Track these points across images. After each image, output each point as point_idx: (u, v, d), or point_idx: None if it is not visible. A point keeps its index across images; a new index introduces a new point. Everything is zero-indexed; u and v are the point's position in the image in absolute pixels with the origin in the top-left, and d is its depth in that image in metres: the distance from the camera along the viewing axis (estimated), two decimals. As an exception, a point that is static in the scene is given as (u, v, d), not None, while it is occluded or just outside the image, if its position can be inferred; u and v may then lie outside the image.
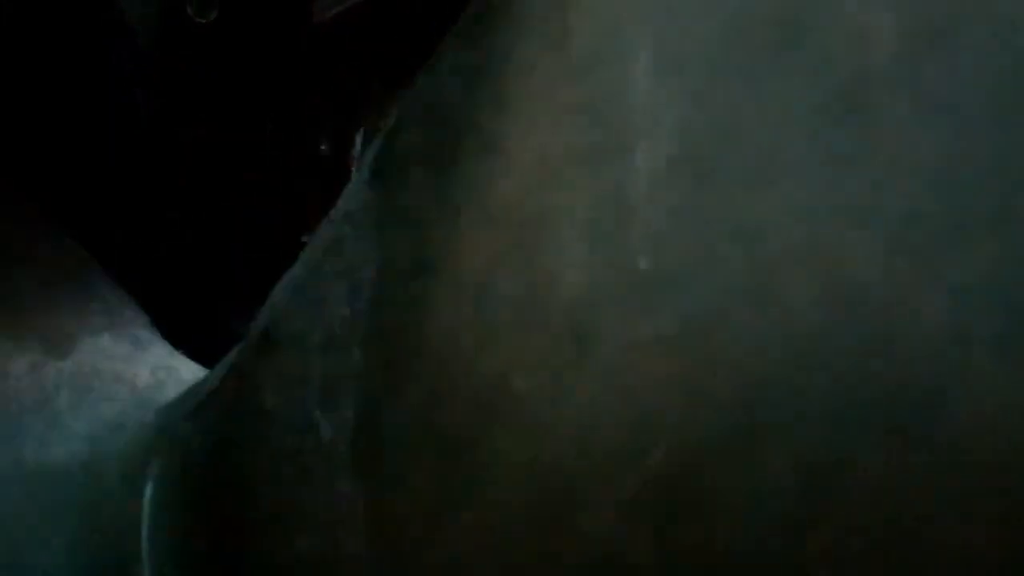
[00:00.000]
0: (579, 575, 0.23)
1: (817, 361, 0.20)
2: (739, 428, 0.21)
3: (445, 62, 0.28)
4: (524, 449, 0.24)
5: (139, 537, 0.44)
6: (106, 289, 0.60)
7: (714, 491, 0.21)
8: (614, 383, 0.23)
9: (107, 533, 0.46)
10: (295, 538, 0.33)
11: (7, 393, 0.51)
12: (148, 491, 0.45)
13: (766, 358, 0.21)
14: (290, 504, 0.34)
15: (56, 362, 0.53)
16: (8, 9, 0.58)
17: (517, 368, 0.25)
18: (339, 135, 0.70)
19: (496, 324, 0.26)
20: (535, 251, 0.25)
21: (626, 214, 0.23)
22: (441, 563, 0.28)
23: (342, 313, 0.31)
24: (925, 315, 0.19)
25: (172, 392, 0.50)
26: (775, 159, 0.21)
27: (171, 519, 0.43)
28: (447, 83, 0.28)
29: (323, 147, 0.62)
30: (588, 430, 0.23)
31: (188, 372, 0.51)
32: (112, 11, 0.61)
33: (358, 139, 0.61)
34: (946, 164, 0.19)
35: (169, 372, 0.53)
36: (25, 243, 0.59)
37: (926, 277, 0.19)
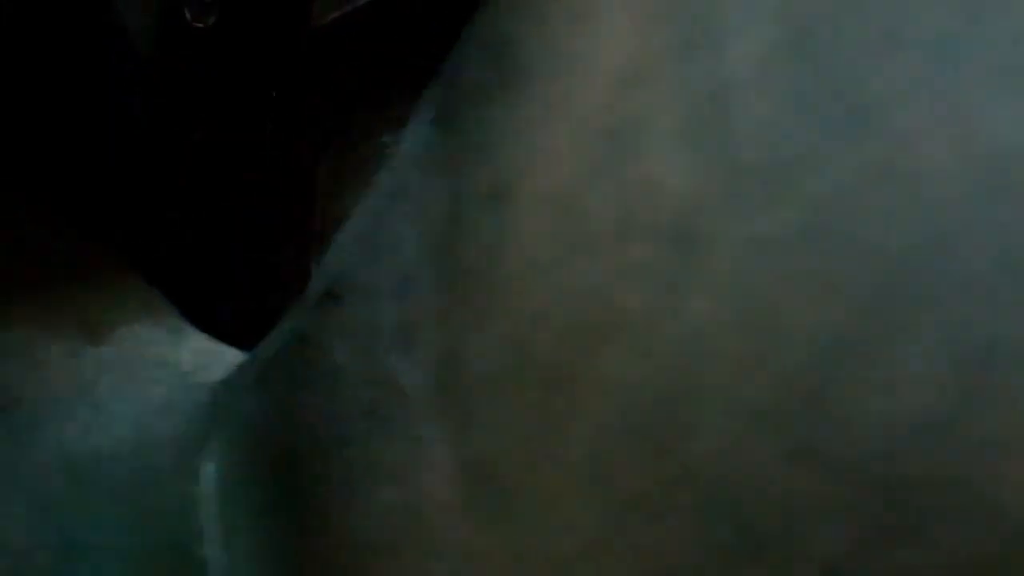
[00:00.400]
0: (701, 502, 0.22)
1: (963, 237, 0.18)
2: (879, 316, 0.19)
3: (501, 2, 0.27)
4: (634, 367, 0.23)
5: (198, 517, 0.43)
6: (137, 281, 0.59)
7: (853, 388, 0.19)
8: (733, 285, 0.21)
9: (163, 515, 0.44)
10: (381, 493, 0.31)
11: (46, 380, 0.49)
12: (209, 470, 0.43)
13: (906, 239, 0.19)
14: (372, 459, 0.32)
15: (95, 348, 0.51)
16: (5, 13, 0.57)
17: (621, 281, 0.23)
18: (339, 137, 0.69)
19: (591, 238, 0.24)
20: (627, 158, 0.23)
21: (728, 106, 0.21)
22: (539, 504, 0.26)
23: (415, 256, 0.30)
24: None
25: (218, 373, 0.48)
26: (898, 28, 0.19)
27: (240, 495, 0.42)
28: (506, 17, 0.26)
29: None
30: (707, 337, 0.21)
31: (232, 354, 0.49)
32: (109, 15, 0.60)
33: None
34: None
35: (211, 355, 0.52)
36: (50, 237, 0.57)
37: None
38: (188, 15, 0.61)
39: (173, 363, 0.50)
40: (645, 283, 0.23)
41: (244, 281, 0.67)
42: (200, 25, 0.61)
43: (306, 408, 0.37)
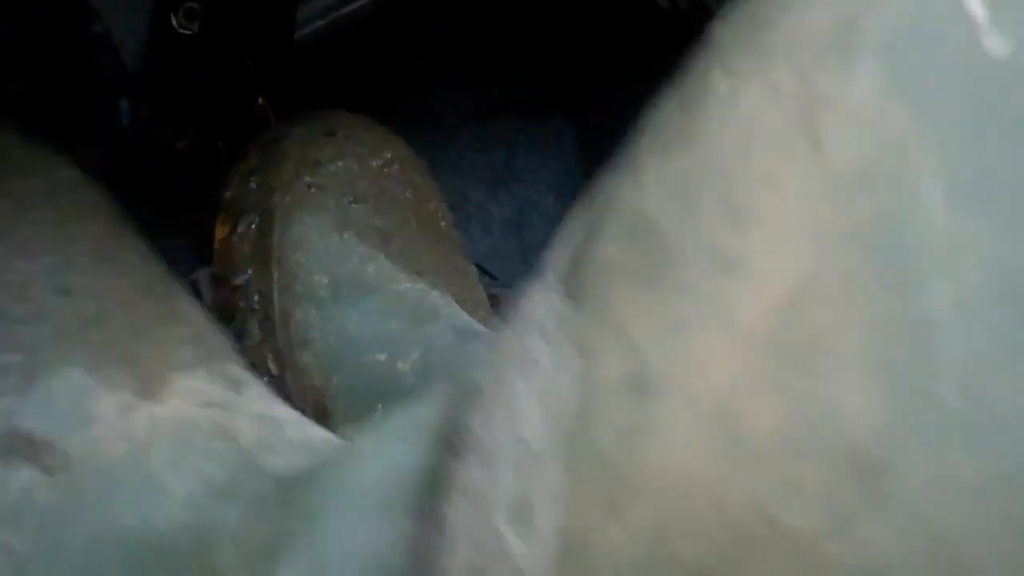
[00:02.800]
0: None
1: None
2: None
3: (648, 172, 0.26)
4: None
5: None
6: (188, 308, 0.51)
7: None
8: (918, 525, 0.20)
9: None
10: None
11: (96, 442, 0.42)
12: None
13: None
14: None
15: (148, 406, 0.43)
16: None
17: (785, 499, 0.22)
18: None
19: (750, 450, 0.23)
20: (801, 376, 0.23)
21: (928, 343, 0.21)
22: None
23: (539, 430, 0.29)
24: None
25: (281, 456, 0.44)
26: None
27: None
28: (654, 197, 0.26)
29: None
30: (883, 569, 0.20)
31: (291, 428, 0.45)
32: (96, 23, 0.60)
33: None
34: None
35: (272, 426, 0.46)
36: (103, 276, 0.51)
37: None
38: (175, 22, 0.61)
39: (232, 434, 0.45)
40: (814, 504, 0.22)
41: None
42: (187, 32, 0.62)
43: (421, 553, 0.35)
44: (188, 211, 0.68)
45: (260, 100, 0.69)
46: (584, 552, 0.28)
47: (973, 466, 0.20)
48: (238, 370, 0.47)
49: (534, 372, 0.30)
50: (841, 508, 0.22)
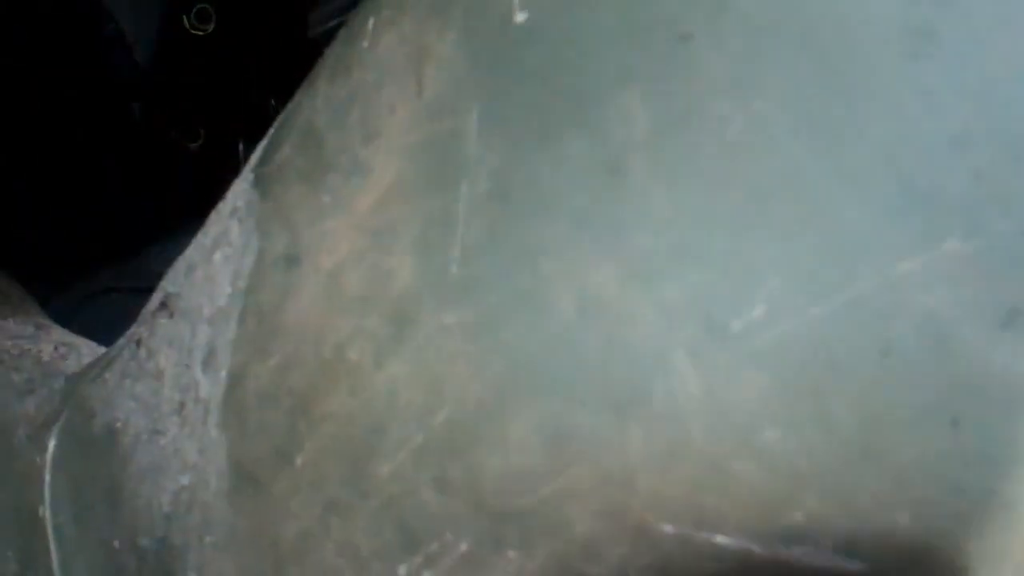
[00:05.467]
0: (375, 509, 0.30)
1: (565, 353, 0.27)
2: (501, 395, 0.27)
3: (319, 95, 0.34)
4: (348, 407, 0.30)
5: (43, 485, 0.49)
6: (7, 286, 0.65)
7: (479, 442, 0.28)
8: (422, 358, 0.29)
9: (16, 483, 0.51)
10: (179, 478, 0.38)
11: None
12: (51, 445, 0.50)
13: (533, 347, 0.27)
14: (176, 448, 0.39)
15: None
16: (9, 22, 0.60)
17: (352, 342, 0.31)
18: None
19: (341, 307, 0.32)
20: (380, 252, 0.31)
21: (447, 232, 0.29)
22: (284, 494, 0.34)
23: (226, 291, 0.37)
24: (641, 321, 0.26)
25: (74, 364, 0.55)
26: (553, 203, 0.28)
27: (68, 469, 0.48)
28: (320, 112, 0.34)
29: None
30: (394, 394, 0.29)
31: (87, 349, 0.55)
32: (110, 25, 0.63)
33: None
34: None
35: (70, 348, 0.58)
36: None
37: (646, 299, 0.26)
38: (187, 23, 0.65)
39: (35, 354, 0.56)
40: (369, 345, 0.31)
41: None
42: (199, 32, 0.65)
43: (133, 398, 0.44)
44: (200, 212, 0.72)
45: (272, 101, 0.70)
46: (239, 386, 0.36)
47: (458, 316, 0.29)
48: (46, 320, 0.62)
49: (228, 247, 0.38)
50: (380, 346, 0.30)
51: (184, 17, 0.62)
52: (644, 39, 0.26)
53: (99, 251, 0.68)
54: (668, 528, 0.26)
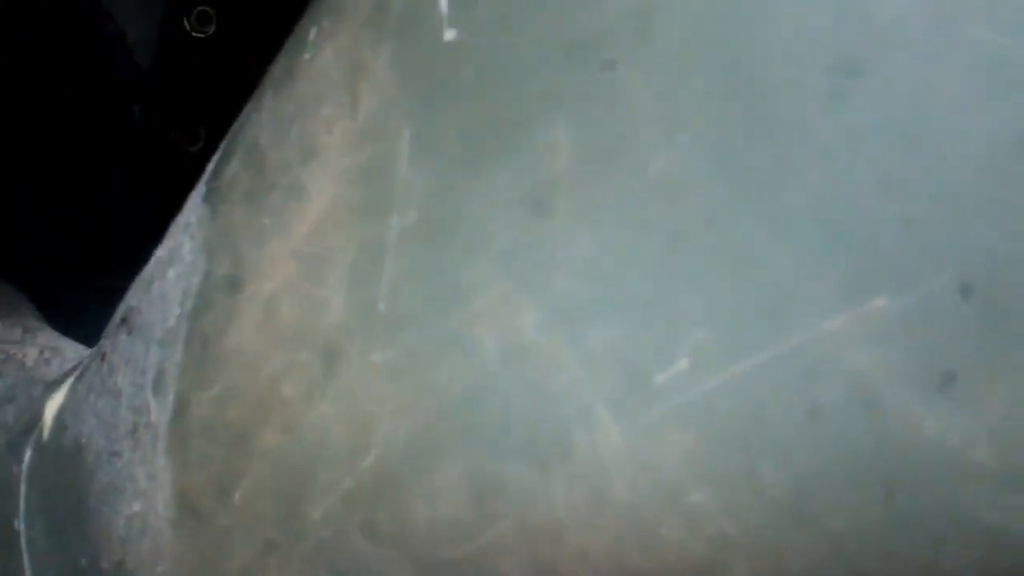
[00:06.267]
0: (309, 552, 0.28)
1: (490, 400, 0.25)
2: (428, 441, 0.26)
3: (264, 108, 0.33)
4: (281, 444, 0.29)
5: (19, 496, 0.49)
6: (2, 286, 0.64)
7: (407, 490, 0.26)
8: (351, 397, 0.28)
9: (-6, 493, 0.50)
10: (132, 503, 0.37)
11: None
12: (27, 456, 0.49)
13: (458, 392, 0.25)
14: (129, 473, 0.38)
15: None
16: (9, 22, 0.59)
17: (286, 376, 0.29)
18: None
19: (276, 337, 0.30)
20: (313, 282, 0.30)
21: (377, 264, 0.28)
22: (225, 529, 0.32)
23: (176, 312, 0.36)
24: (563, 369, 0.24)
25: (57, 369, 0.54)
26: (480, 238, 0.26)
27: (42, 481, 0.47)
28: (265, 127, 0.33)
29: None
30: (324, 433, 0.28)
31: (73, 352, 0.54)
32: (110, 26, 0.63)
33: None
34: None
35: (55, 352, 0.57)
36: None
37: (569, 346, 0.24)
38: (187, 25, 0.65)
39: (19, 359, 0.55)
40: (300, 381, 0.29)
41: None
42: (199, 35, 0.65)
43: (95, 415, 0.43)
44: None
45: None
46: (184, 414, 0.35)
47: (383, 356, 0.27)
48: (35, 322, 0.60)
49: (180, 264, 0.37)
50: (311, 382, 0.29)
51: (184, 19, 0.62)
52: (569, 63, 0.25)
53: (99, 253, 0.68)
54: (598, 585, 0.25)
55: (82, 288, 0.73)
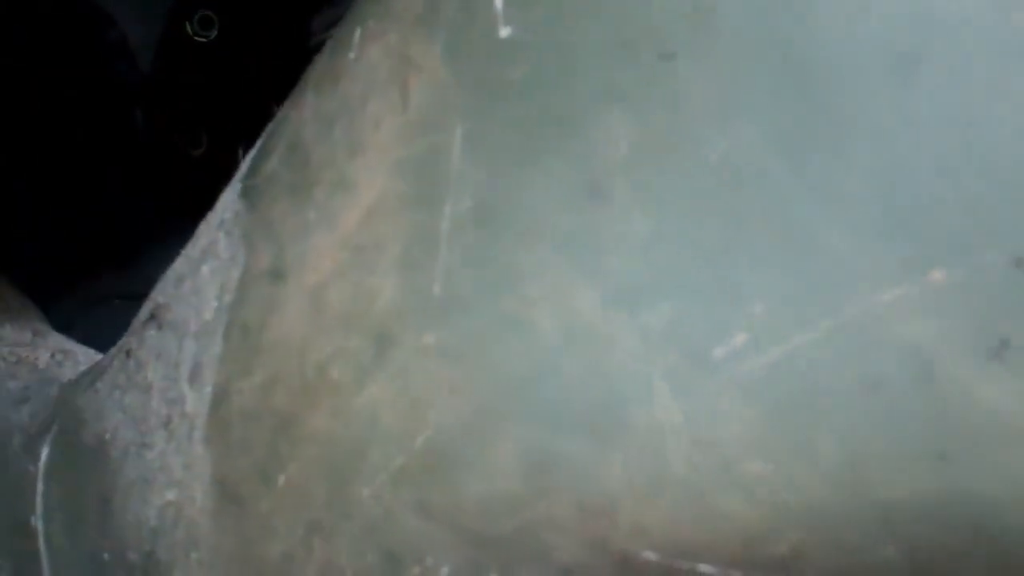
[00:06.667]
0: (357, 531, 0.29)
1: (547, 378, 0.26)
2: (482, 419, 0.27)
3: (306, 106, 0.34)
4: (329, 428, 0.30)
5: (35, 494, 0.49)
6: (6, 292, 0.65)
7: (460, 467, 0.27)
8: (403, 379, 0.29)
9: (10, 492, 0.51)
10: (165, 492, 0.38)
11: None
12: (44, 454, 0.49)
13: (515, 371, 0.26)
14: (163, 463, 0.39)
15: None
16: (9, 24, 0.60)
17: (334, 361, 0.30)
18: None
19: (324, 325, 0.31)
20: (363, 271, 0.31)
21: (431, 251, 0.29)
22: (267, 513, 0.33)
23: (213, 305, 0.37)
24: (621, 347, 0.25)
25: (70, 371, 0.54)
26: (535, 225, 0.27)
27: (60, 479, 0.48)
28: (308, 125, 0.34)
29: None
30: (375, 416, 0.29)
31: (83, 355, 0.55)
32: (112, 30, 0.63)
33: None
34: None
35: (66, 355, 0.58)
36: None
37: (627, 325, 0.25)
38: (190, 29, 0.65)
39: (31, 361, 0.56)
40: (350, 365, 0.30)
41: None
42: (202, 39, 0.65)
43: (122, 410, 0.43)
44: (201, 218, 0.72)
45: (275, 107, 0.70)
46: (223, 403, 0.36)
47: (437, 339, 0.28)
48: (43, 326, 0.61)
49: (215, 260, 0.38)
50: (362, 367, 0.30)
51: (187, 23, 0.62)
52: (627, 57, 0.26)
53: (100, 256, 0.68)
54: (651, 556, 0.26)
55: (79, 293, 0.73)
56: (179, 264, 0.40)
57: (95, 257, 0.70)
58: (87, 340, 0.63)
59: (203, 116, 0.68)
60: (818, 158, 0.23)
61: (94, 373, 0.48)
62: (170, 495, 0.39)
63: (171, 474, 0.39)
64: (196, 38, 0.63)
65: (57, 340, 0.59)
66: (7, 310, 0.63)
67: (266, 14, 0.67)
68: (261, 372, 0.34)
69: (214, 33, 0.64)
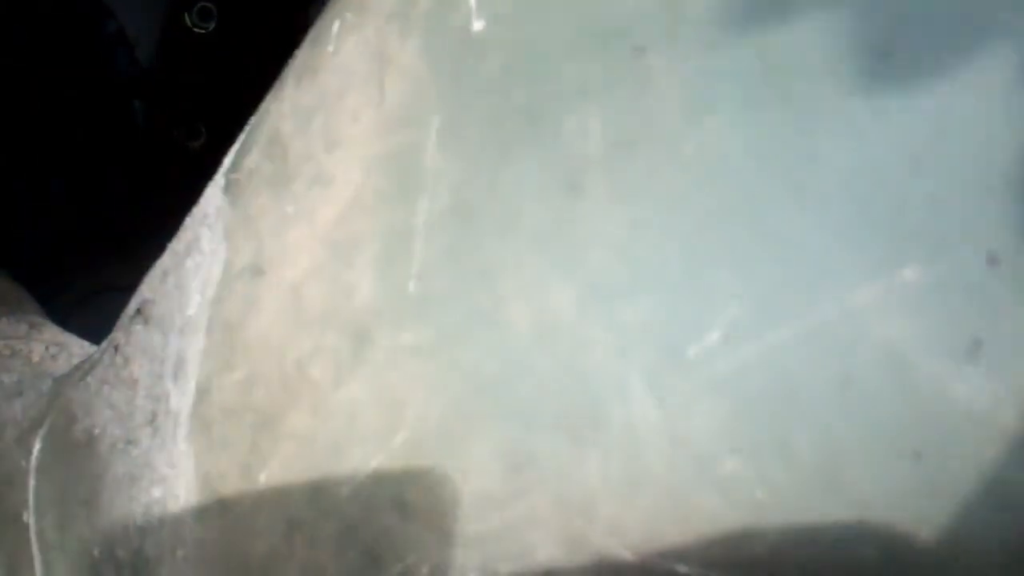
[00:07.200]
0: (337, 529, 0.29)
1: (524, 376, 0.26)
2: (460, 417, 0.26)
3: (286, 99, 0.33)
4: (309, 425, 0.30)
5: (28, 489, 0.49)
6: (4, 284, 0.65)
7: (438, 466, 0.27)
8: (381, 377, 0.28)
9: (2, 486, 0.50)
10: (151, 490, 0.38)
11: None
12: (36, 449, 0.49)
13: (491, 369, 0.26)
14: (147, 460, 0.39)
15: None
16: (9, 21, 0.59)
17: (314, 359, 0.30)
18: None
19: (302, 322, 0.31)
20: (340, 266, 0.30)
21: (407, 247, 0.29)
22: (250, 510, 0.33)
23: (196, 301, 0.37)
24: (597, 344, 0.25)
25: (64, 364, 0.54)
26: (511, 220, 0.27)
27: (52, 473, 0.48)
28: (287, 118, 0.33)
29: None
30: (354, 413, 0.29)
31: (78, 348, 0.55)
32: (111, 23, 0.63)
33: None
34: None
35: (61, 348, 0.58)
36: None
37: (603, 322, 0.25)
38: (188, 21, 0.65)
39: (25, 354, 0.56)
40: (329, 363, 0.30)
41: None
42: (200, 31, 0.65)
43: (109, 406, 0.43)
44: None
45: None
46: (205, 399, 0.35)
47: (414, 337, 0.28)
48: (39, 318, 0.62)
49: (199, 254, 0.38)
50: (340, 364, 0.30)
51: (186, 15, 0.62)
52: (599, 51, 0.25)
53: (100, 250, 0.68)
54: (629, 556, 0.26)
55: (79, 287, 0.73)
56: (165, 259, 0.40)
57: (95, 251, 0.70)
58: (85, 331, 0.63)
59: (202, 108, 0.68)
60: (788, 154, 0.22)
61: (85, 367, 0.48)
62: (156, 492, 0.38)
63: (156, 471, 0.38)
64: (195, 30, 0.63)
65: (52, 333, 0.59)
66: (4, 303, 0.63)
67: (265, 5, 0.67)
68: (242, 368, 0.34)
69: (213, 25, 0.63)
